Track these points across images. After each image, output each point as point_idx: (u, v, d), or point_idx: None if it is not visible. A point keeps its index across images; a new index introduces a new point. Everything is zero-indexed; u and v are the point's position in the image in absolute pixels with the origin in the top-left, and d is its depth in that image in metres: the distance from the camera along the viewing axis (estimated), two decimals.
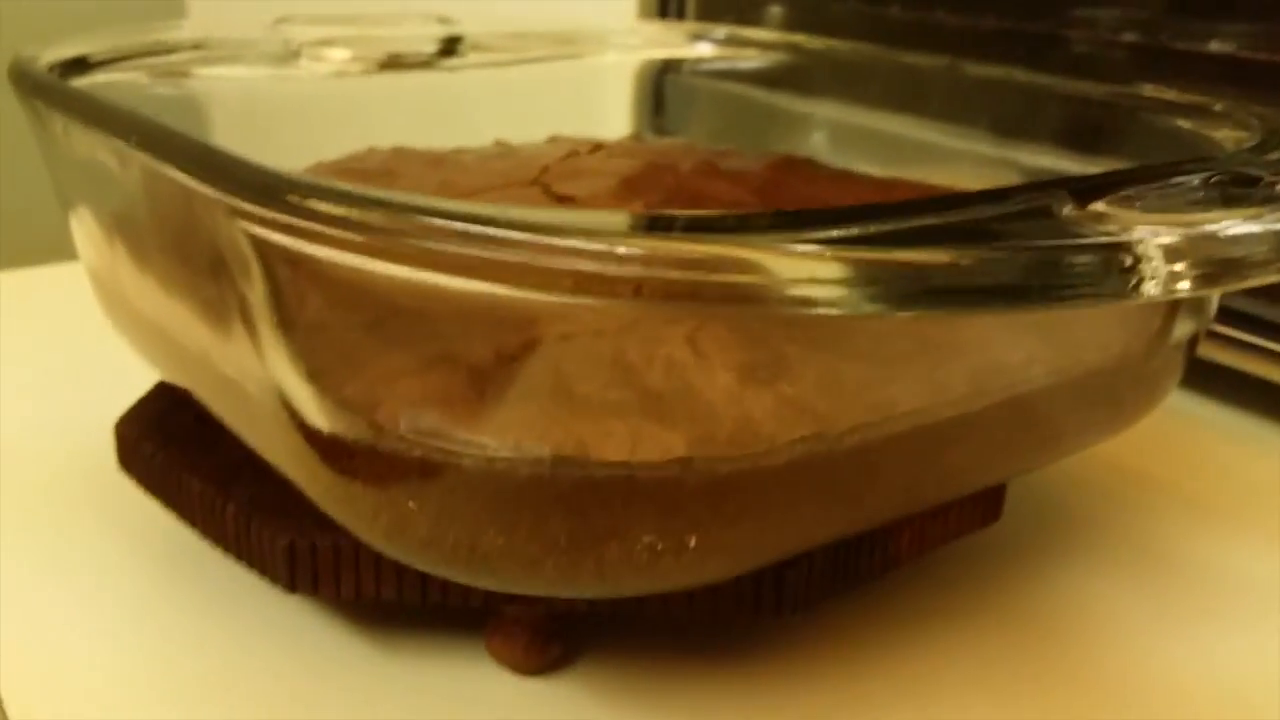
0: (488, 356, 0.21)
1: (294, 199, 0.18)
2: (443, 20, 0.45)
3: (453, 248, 0.16)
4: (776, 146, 0.48)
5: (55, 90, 0.28)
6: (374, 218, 0.17)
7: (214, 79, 0.40)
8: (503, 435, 0.20)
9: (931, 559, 0.30)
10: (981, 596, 0.29)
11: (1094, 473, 0.36)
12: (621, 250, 0.15)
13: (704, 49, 0.48)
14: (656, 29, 0.51)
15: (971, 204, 0.19)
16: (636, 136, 0.45)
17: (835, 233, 0.16)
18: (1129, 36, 0.47)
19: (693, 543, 0.21)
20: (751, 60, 0.48)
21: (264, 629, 0.28)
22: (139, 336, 0.31)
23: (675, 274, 0.15)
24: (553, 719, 0.25)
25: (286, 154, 0.40)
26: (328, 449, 0.22)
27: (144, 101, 0.38)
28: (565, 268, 0.15)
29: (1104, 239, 0.17)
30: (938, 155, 0.44)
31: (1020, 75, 0.40)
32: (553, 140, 0.40)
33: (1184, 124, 0.34)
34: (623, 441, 0.20)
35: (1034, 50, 0.51)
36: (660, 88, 0.50)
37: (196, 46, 0.39)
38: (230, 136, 0.41)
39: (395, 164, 0.34)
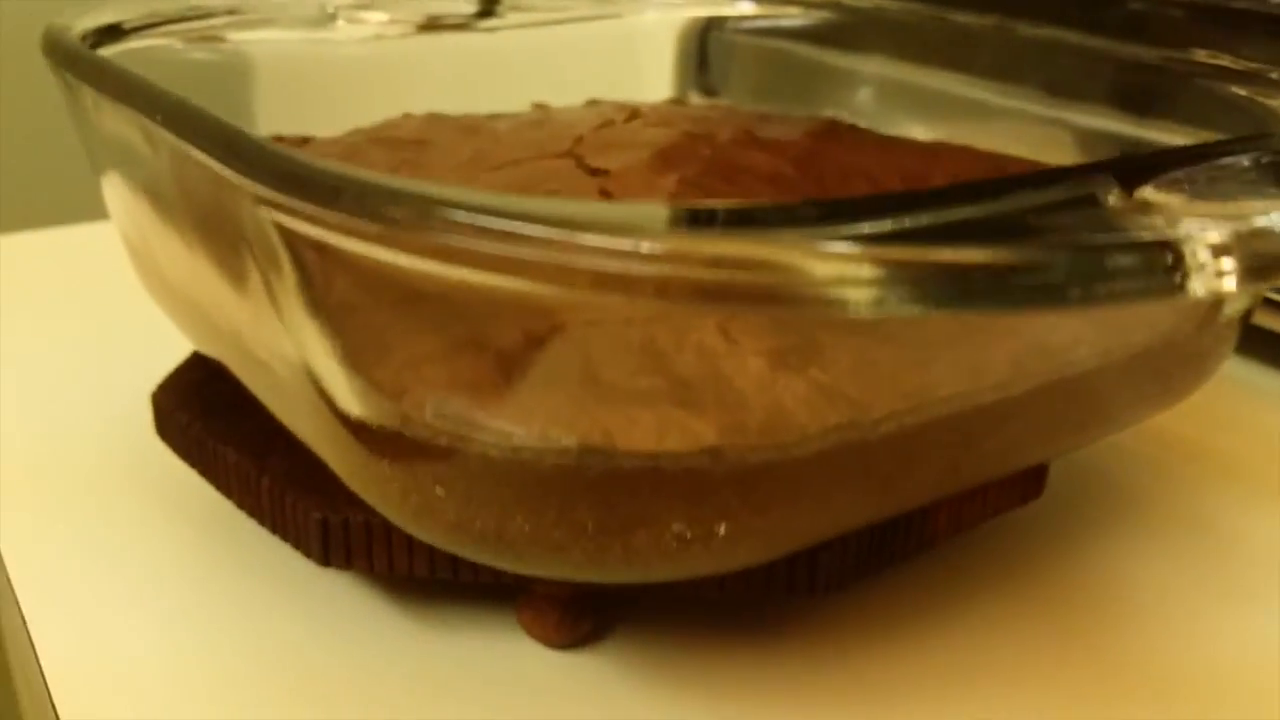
0: (516, 340, 0.21)
1: (316, 190, 0.18)
2: None
3: (472, 244, 0.16)
4: (822, 104, 0.47)
5: (85, 62, 0.28)
6: (396, 212, 0.17)
7: (250, 43, 0.40)
8: (529, 423, 0.20)
9: (971, 536, 0.29)
10: (1024, 575, 0.29)
11: (1140, 444, 0.35)
12: (645, 248, 0.15)
13: (746, 7, 0.47)
14: None
15: (1013, 191, 0.18)
16: (678, 100, 0.44)
17: (868, 227, 0.16)
18: None
19: (722, 530, 0.21)
20: (796, 18, 0.47)
21: (299, 597, 0.28)
22: (172, 307, 0.31)
23: (699, 273, 0.15)
24: (584, 692, 0.25)
25: (323, 119, 0.40)
26: (356, 432, 0.22)
27: (178, 68, 0.38)
28: (586, 266, 0.15)
29: (1149, 236, 0.16)
30: (986, 114, 0.43)
31: (1071, 36, 0.39)
32: (591, 104, 0.40)
33: (1240, 91, 0.33)
34: (650, 431, 0.20)
35: (1087, 7, 0.49)
36: (703, 45, 0.49)
37: (232, 11, 0.39)
38: (267, 102, 0.42)
39: (429, 132, 0.34)
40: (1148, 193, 0.19)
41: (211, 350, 0.29)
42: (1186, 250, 0.16)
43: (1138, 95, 0.37)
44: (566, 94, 0.46)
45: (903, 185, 0.30)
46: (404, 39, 0.43)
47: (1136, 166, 0.20)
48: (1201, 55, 0.34)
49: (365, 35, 0.42)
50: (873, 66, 0.48)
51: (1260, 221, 0.17)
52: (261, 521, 0.28)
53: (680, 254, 0.15)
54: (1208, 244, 0.16)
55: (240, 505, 0.28)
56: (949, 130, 0.42)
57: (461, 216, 0.16)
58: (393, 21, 0.42)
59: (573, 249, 0.15)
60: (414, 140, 0.32)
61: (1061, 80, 0.40)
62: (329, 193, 0.18)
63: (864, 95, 0.48)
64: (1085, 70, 0.39)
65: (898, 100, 0.46)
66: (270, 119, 0.41)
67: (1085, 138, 0.40)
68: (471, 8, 0.44)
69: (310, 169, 0.18)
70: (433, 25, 0.43)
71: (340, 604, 0.28)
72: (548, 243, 0.15)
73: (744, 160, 0.30)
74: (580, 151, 0.30)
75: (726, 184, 0.28)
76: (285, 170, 0.19)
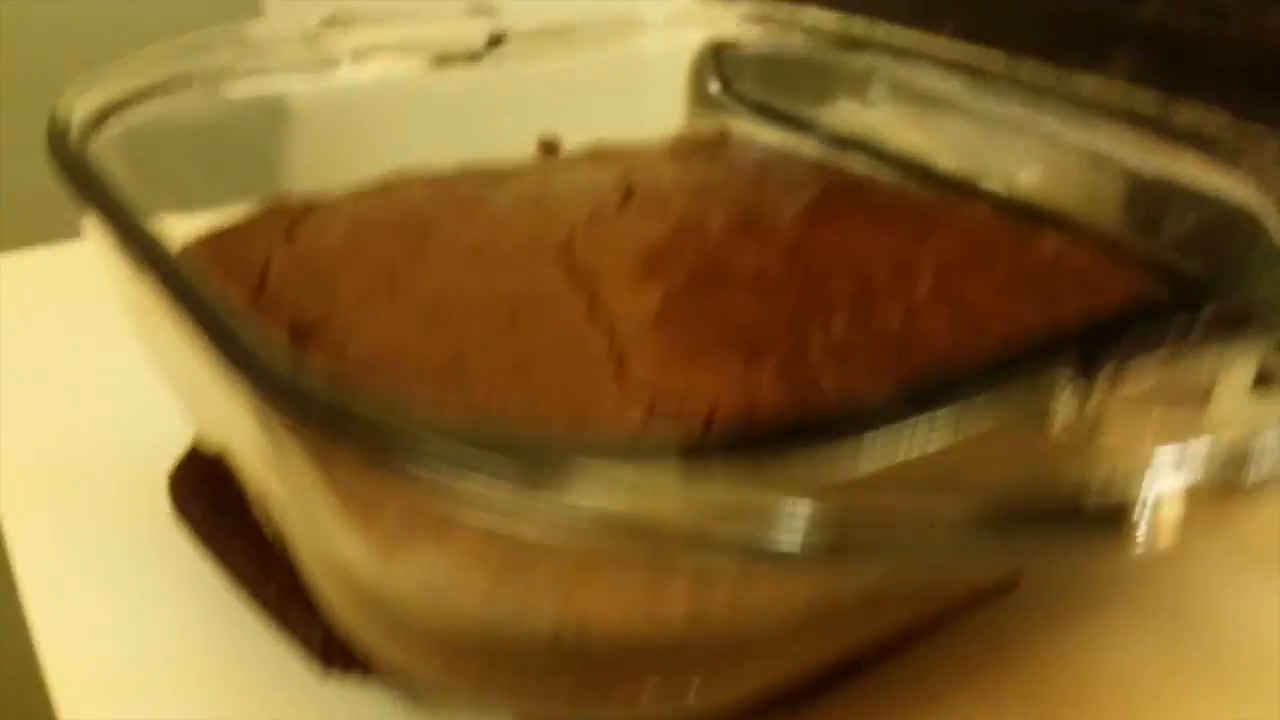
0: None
1: (310, 418, 0.19)
2: (485, 12, 0.44)
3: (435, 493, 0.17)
4: (836, 102, 0.47)
5: (87, 186, 0.28)
6: (372, 447, 0.18)
7: (256, 93, 0.40)
8: (504, 606, 0.21)
9: (948, 630, 0.30)
10: (1002, 667, 0.30)
11: None
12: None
13: (755, 33, 0.47)
14: (707, 11, 0.49)
15: (962, 399, 0.19)
16: (682, 142, 0.44)
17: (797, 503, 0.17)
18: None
19: (696, 685, 0.22)
20: (803, 45, 0.47)
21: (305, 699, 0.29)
22: (176, 392, 0.32)
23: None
24: None
25: (330, 167, 0.41)
26: (349, 583, 0.23)
27: (185, 131, 0.38)
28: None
29: (1097, 501, 0.17)
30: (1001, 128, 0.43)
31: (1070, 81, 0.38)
32: (595, 156, 0.40)
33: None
34: (623, 611, 0.21)
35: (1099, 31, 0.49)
36: (714, 62, 0.49)
37: (235, 61, 0.39)
38: (276, 150, 0.42)
39: (431, 207, 0.34)
40: (1102, 394, 0.20)
41: (217, 447, 0.31)
42: (1139, 512, 0.16)
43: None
44: (576, 121, 0.46)
45: (888, 277, 0.31)
46: (411, 78, 0.43)
47: (1095, 359, 0.21)
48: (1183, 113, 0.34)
49: (372, 79, 0.42)
50: (883, 65, 0.47)
51: (1221, 449, 0.17)
52: (268, 623, 0.29)
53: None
54: (1162, 496, 0.17)
55: (248, 602, 0.30)
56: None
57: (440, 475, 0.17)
58: (399, 58, 0.42)
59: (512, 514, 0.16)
60: (417, 226, 0.33)
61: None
62: (322, 424, 0.19)
63: (877, 91, 0.48)
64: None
65: (909, 96, 0.46)
66: (280, 168, 0.42)
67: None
68: (479, 43, 0.44)
69: (304, 394, 0.19)
70: (441, 62, 0.43)
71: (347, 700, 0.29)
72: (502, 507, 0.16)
73: (731, 259, 0.30)
74: (570, 256, 0.30)
75: (711, 296, 0.29)
76: (275, 389, 0.19)
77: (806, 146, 0.51)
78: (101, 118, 0.34)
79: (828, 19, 0.46)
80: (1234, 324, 0.23)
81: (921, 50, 0.45)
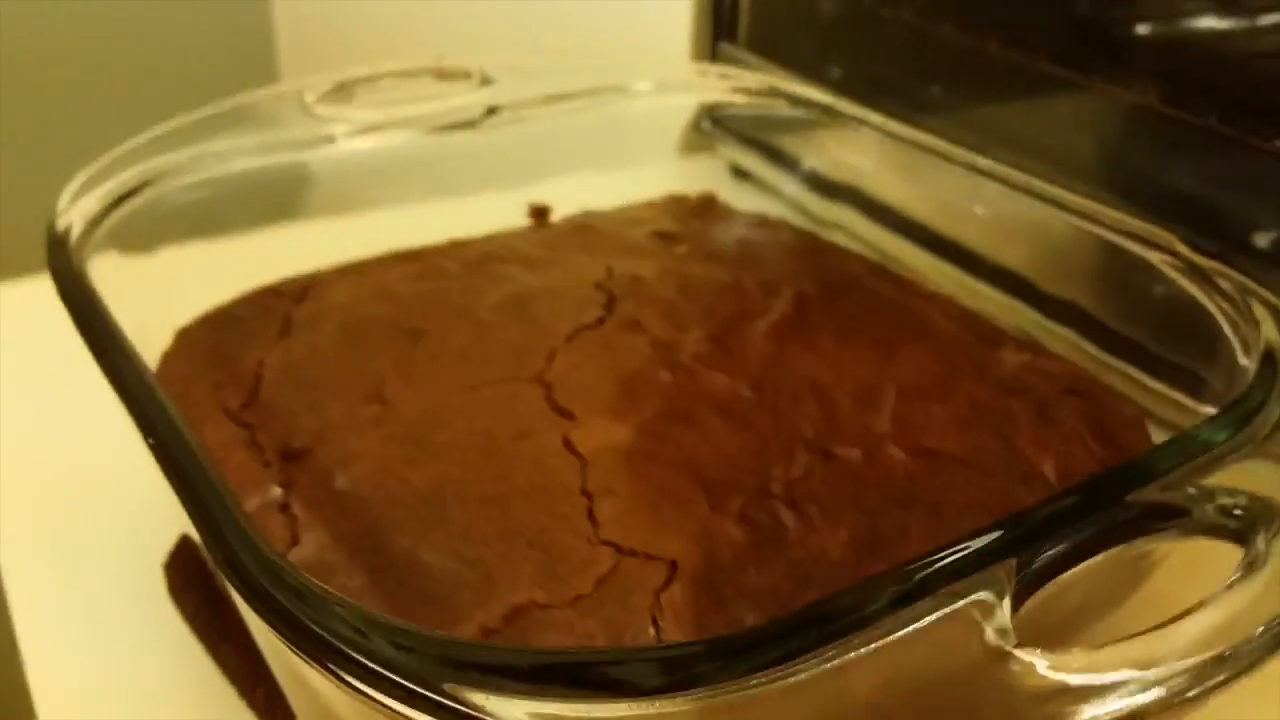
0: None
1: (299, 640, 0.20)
2: (483, 81, 0.45)
3: None
4: (826, 145, 0.48)
5: (86, 320, 0.30)
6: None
7: (248, 171, 0.41)
8: None
9: None
10: None
11: None
12: None
13: (738, 99, 0.48)
14: (690, 75, 0.51)
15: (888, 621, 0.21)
16: (666, 209, 0.46)
17: None
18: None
19: None
20: (786, 111, 0.48)
21: None
22: None
23: None
24: None
25: (329, 229, 0.42)
26: None
27: (185, 209, 0.39)
28: None
29: None
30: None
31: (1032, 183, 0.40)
32: (581, 240, 0.41)
33: (1189, 286, 0.35)
34: None
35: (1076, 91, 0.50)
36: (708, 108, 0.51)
37: (235, 143, 0.41)
38: (272, 216, 0.43)
39: (418, 309, 0.36)
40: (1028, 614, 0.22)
41: None
42: None
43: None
44: (568, 174, 0.48)
45: (852, 404, 0.32)
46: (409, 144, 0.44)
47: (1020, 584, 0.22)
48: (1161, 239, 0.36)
49: (369, 147, 0.43)
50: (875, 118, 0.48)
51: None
52: (258, 716, 0.31)
53: None
54: None
55: (240, 695, 0.32)
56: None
57: None
58: (399, 130, 0.43)
59: None
60: (405, 330, 0.35)
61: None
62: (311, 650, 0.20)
63: (866, 139, 0.49)
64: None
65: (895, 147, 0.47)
66: (282, 236, 0.43)
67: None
68: (476, 111, 0.45)
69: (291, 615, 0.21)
70: (440, 131, 0.44)
71: None
72: None
73: (703, 383, 0.32)
74: (550, 381, 0.32)
75: (682, 426, 0.30)
76: (265, 599, 0.21)
77: (791, 189, 0.53)
78: (100, 217, 0.35)
79: (816, 94, 0.47)
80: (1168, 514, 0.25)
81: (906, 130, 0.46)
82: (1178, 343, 0.36)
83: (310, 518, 0.29)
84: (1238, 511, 0.25)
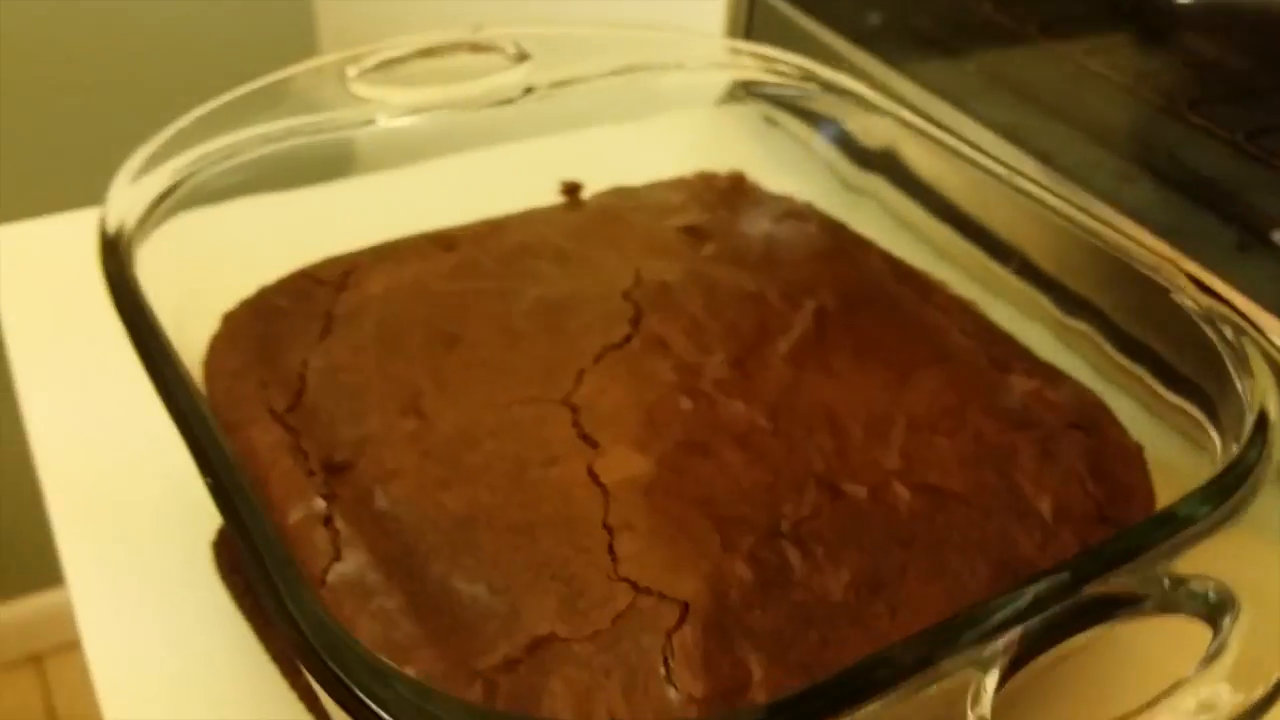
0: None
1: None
2: (519, 55, 0.46)
3: None
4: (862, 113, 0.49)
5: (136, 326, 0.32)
6: None
7: (287, 152, 0.42)
8: None
9: None
10: None
11: None
12: None
13: (771, 79, 0.49)
14: (724, 54, 0.51)
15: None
16: (696, 189, 0.47)
17: None
18: None
19: None
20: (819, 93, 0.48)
21: None
22: None
23: None
24: None
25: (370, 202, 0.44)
26: None
27: (226, 195, 0.41)
28: None
29: None
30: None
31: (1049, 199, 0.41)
32: (610, 228, 0.43)
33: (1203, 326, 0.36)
34: None
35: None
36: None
37: (278, 126, 0.42)
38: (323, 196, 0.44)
39: (453, 310, 0.38)
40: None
41: None
42: None
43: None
44: (600, 157, 0.49)
45: (864, 436, 0.34)
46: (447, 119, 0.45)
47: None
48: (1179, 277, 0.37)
49: (408, 125, 0.45)
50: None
51: None
52: (299, 699, 0.34)
53: None
54: None
55: (281, 674, 0.35)
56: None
57: None
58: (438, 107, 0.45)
59: None
60: (441, 335, 0.36)
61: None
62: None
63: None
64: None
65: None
66: (321, 206, 0.44)
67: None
68: (514, 90, 0.46)
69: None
70: (477, 107, 0.45)
71: None
72: None
73: (722, 414, 0.34)
74: (577, 402, 0.34)
75: (701, 458, 0.32)
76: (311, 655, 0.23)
77: (824, 151, 0.53)
78: (146, 215, 0.37)
79: (849, 82, 0.47)
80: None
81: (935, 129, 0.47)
82: (1190, 362, 0.38)
83: (352, 534, 0.31)
84: (1211, 597, 0.27)
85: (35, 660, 1.42)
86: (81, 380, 0.47)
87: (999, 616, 0.26)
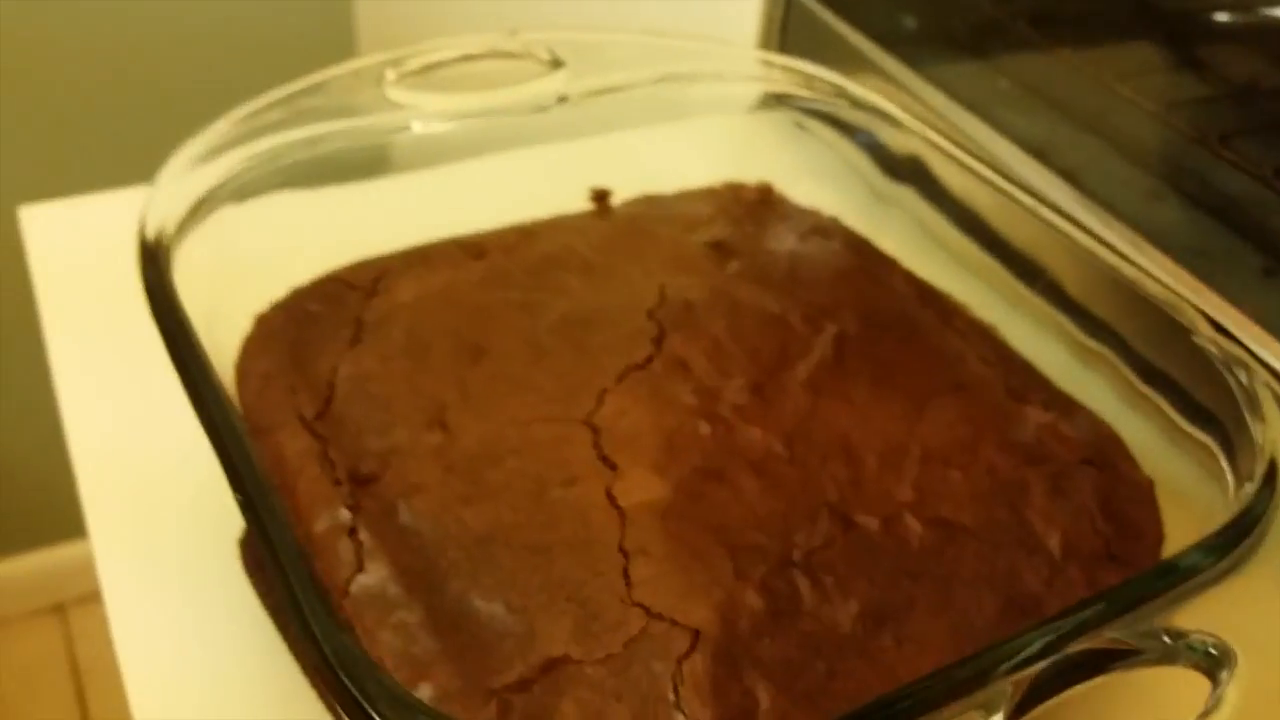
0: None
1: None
2: (554, 63, 0.47)
3: None
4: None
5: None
6: None
7: (323, 158, 0.43)
8: None
9: None
10: None
11: None
12: None
13: (803, 94, 0.49)
14: (755, 66, 0.51)
15: None
16: (724, 201, 0.47)
17: None
18: None
19: None
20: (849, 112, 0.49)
21: None
22: None
23: None
24: None
25: (395, 216, 0.44)
26: None
27: (262, 198, 0.42)
28: None
29: None
30: None
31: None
32: (635, 243, 0.43)
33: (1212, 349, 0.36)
34: None
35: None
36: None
37: (315, 129, 0.42)
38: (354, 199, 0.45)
39: (480, 321, 0.38)
40: None
41: None
42: None
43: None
44: (632, 161, 0.49)
45: (878, 466, 0.35)
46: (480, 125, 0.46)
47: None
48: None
49: (443, 131, 0.45)
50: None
51: None
52: (319, 691, 0.35)
53: None
54: None
55: (302, 671, 0.36)
56: None
57: None
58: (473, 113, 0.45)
59: None
60: (468, 347, 0.37)
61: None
62: None
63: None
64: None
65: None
66: (355, 207, 0.45)
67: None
68: (548, 99, 0.46)
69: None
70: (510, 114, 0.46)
71: None
72: None
73: (739, 440, 0.34)
74: (598, 423, 0.34)
75: (717, 484, 0.33)
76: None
77: (855, 160, 0.54)
78: (184, 222, 0.38)
79: (880, 101, 0.47)
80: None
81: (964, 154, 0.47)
82: (1207, 395, 0.38)
83: (375, 546, 0.32)
84: (1210, 650, 0.27)
85: (58, 610, 1.44)
86: (116, 362, 0.48)
87: (997, 663, 0.26)
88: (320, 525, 0.33)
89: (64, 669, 1.37)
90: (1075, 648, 0.27)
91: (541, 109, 0.47)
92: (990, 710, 0.26)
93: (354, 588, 0.32)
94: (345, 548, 0.32)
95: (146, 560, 0.40)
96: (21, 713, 1.30)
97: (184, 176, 0.39)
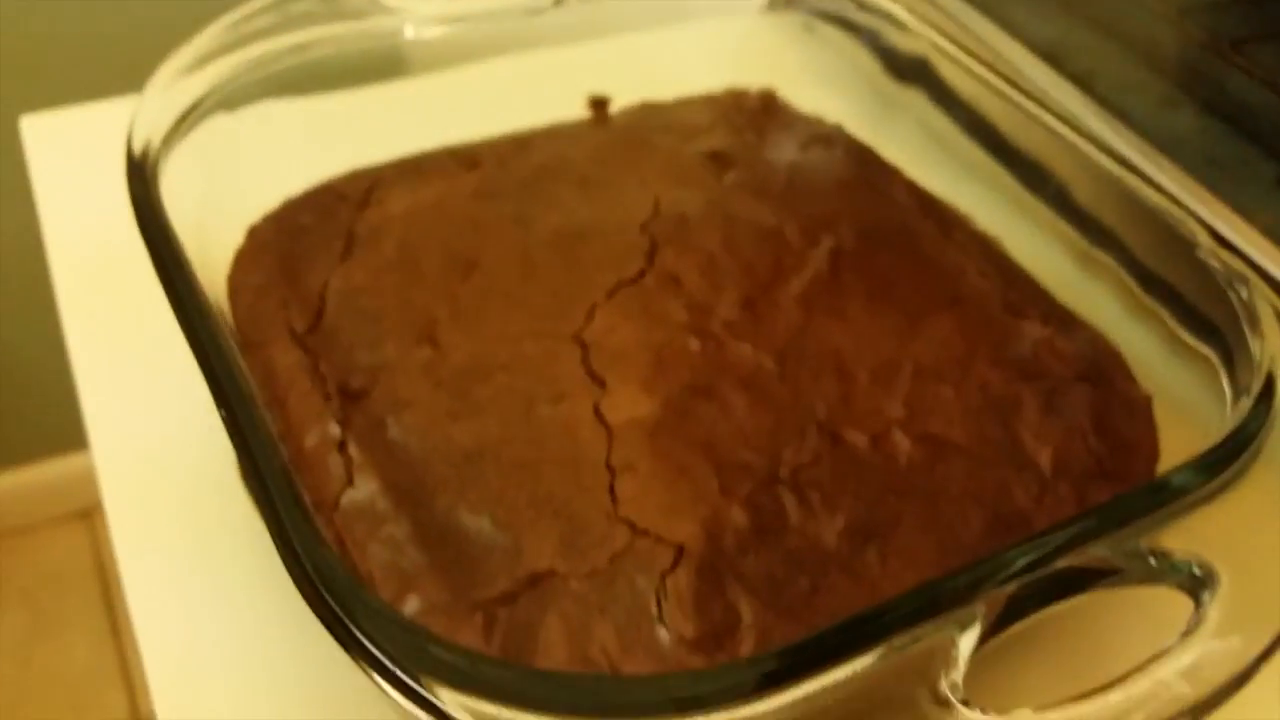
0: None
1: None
2: None
3: None
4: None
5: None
6: None
7: (313, 64, 0.42)
8: None
9: None
10: None
11: None
12: None
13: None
14: None
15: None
16: (725, 107, 0.46)
17: None
18: None
19: None
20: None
21: None
22: None
23: None
24: None
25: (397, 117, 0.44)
26: None
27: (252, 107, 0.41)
28: None
29: None
30: None
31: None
32: (634, 154, 0.43)
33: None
34: None
35: None
36: None
37: (310, 34, 0.42)
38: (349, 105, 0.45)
39: (473, 234, 0.38)
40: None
41: None
42: None
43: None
44: (633, 65, 0.48)
45: (869, 382, 0.34)
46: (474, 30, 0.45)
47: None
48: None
49: (437, 36, 0.44)
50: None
51: None
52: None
53: None
54: None
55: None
56: None
57: None
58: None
59: None
60: (460, 259, 0.37)
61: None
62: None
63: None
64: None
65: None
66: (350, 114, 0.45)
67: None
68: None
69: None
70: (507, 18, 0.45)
71: None
72: None
73: (729, 356, 0.34)
74: (587, 339, 0.34)
75: (705, 401, 0.33)
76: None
77: (864, 62, 0.52)
78: (171, 134, 0.37)
79: (887, 4, 0.46)
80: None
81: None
82: (1208, 308, 0.37)
83: (364, 460, 0.32)
84: (1193, 570, 0.27)
85: (85, 515, 1.46)
86: (118, 280, 0.48)
87: (980, 579, 0.26)
88: (311, 440, 0.33)
89: (92, 574, 1.40)
90: (1058, 565, 0.27)
91: (537, 12, 0.46)
92: (965, 625, 0.26)
93: (344, 502, 0.32)
94: (335, 462, 0.33)
95: (149, 488, 0.40)
96: (51, 617, 1.33)
97: (172, 86, 0.38)
